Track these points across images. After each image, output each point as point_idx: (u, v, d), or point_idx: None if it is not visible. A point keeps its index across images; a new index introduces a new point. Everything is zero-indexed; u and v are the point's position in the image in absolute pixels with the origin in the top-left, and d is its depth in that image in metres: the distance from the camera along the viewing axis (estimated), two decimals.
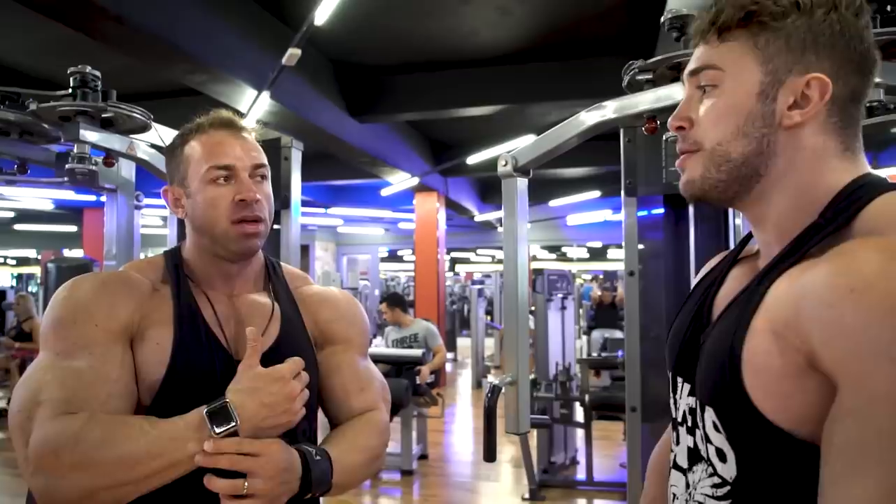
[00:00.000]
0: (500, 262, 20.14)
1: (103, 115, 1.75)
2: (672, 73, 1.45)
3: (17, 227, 13.74)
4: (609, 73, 2.73)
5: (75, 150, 1.81)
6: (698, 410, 0.71)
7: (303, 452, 0.93)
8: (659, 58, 1.43)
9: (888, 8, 1.24)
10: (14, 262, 20.74)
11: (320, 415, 1.13)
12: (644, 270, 1.94)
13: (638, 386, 1.86)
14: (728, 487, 0.66)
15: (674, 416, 0.80)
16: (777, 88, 0.67)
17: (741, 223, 1.75)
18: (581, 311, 9.17)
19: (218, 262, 1.05)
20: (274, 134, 2.10)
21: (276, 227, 1.26)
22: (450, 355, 9.68)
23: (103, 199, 2.19)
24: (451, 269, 21.31)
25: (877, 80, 1.21)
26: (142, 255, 2.33)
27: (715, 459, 0.68)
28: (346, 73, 5.39)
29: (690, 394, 0.74)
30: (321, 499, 1.07)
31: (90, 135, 1.72)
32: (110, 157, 1.89)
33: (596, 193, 9.48)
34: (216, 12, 3.79)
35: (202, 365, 0.97)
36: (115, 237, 2.14)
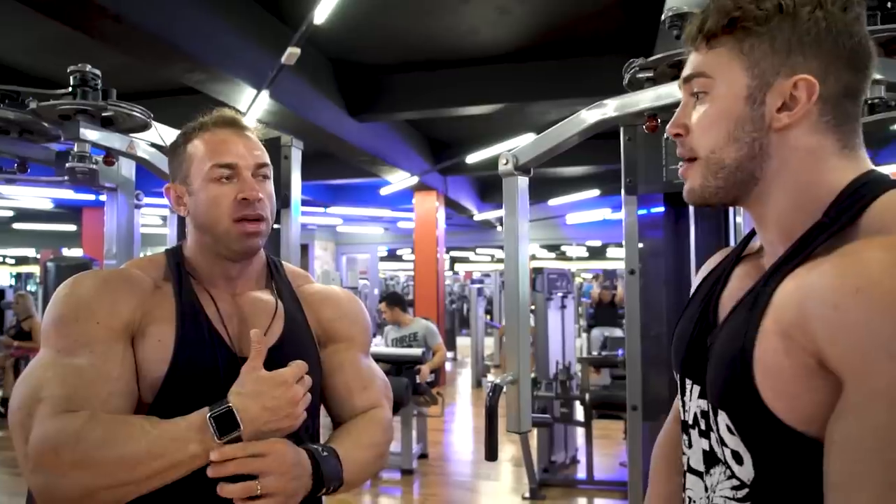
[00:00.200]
0: (499, 261, 20.14)
1: (103, 114, 1.75)
2: (673, 70, 1.44)
3: (16, 226, 13.73)
4: (608, 72, 2.74)
5: (75, 149, 1.81)
6: (711, 413, 0.71)
7: (309, 450, 0.93)
8: (659, 56, 1.43)
9: (888, 5, 1.24)
10: (13, 261, 20.72)
11: (322, 412, 1.13)
12: (644, 269, 1.94)
13: (639, 384, 1.86)
14: (747, 489, 0.66)
15: (683, 418, 0.79)
16: (765, 92, 0.67)
17: (742, 221, 1.75)
18: (580, 309, 9.17)
19: (219, 261, 1.05)
20: (274, 133, 2.09)
21: (276, 226, 1.27)
22: (449, 354, 9.68)
23: (103, 198, 2.19)
24: (451, 268, 21.31)
25: (877, 76, 1.21)
26: (142, 255, 2.33)
27: (732, 462, 0.68)
28: (346, 72, 5.39)
29: (701, 396, 0.74)
30: (323, 499, 1.07)
31: (90, 133, 1.72)
32: (110, 155, 1.89)
33: (595, 192, 9.48)
34: (215, 11, 3.78)
35: (204, 362, 0.97)
36: (116, 236, 2.14)
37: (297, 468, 0.88)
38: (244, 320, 1.04)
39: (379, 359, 1.12)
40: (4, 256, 20.34)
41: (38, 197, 9.23)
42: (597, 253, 20.10)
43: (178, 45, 3.48)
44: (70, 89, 1.71)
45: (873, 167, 0.68)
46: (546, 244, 17.61)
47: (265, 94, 4.03)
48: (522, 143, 1.76)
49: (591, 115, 1.58)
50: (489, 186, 11.45)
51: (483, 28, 4.61)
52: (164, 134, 1.92)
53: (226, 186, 1.00)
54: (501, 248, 1.83)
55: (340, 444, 1.00)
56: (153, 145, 1.96)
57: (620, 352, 4.51)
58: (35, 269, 17.38)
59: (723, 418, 0.68)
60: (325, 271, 9.76)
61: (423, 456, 5.03)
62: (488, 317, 11.05)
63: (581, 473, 4.55)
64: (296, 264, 1.79)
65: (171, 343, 0.95)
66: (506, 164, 1.74)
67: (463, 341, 11.51)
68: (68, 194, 8.22)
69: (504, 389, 1.73)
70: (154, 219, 8.25)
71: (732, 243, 1.78)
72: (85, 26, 3.20)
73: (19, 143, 1.92)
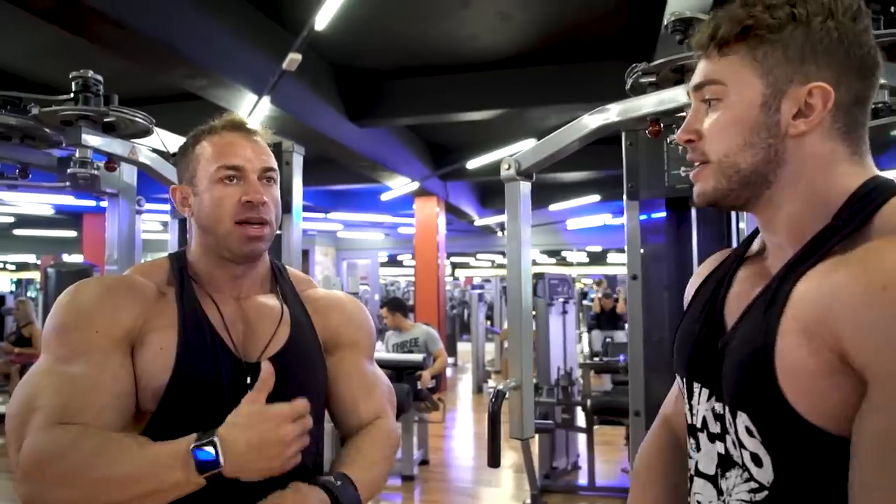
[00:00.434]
0: (500, 266, 20.14)
1: (105, 120, 1.75)
2: (675, 75, 1.44)
3: (17, 232, 13.73)
4: (609, 77, 2.74)
5: (77, 155, 1.81)
6: (728, 416, 0.71)
7: (326, 487, 0.93)
8: (662, 60, 1.43)
9: (892, 9, 1.24)
10: (14, 267, 20.71)
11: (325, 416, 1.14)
12: (646, 274, 1.93)
13: (641, 390, 1.86)
14: (766, 492, 0.66)
15: (690, 422, 0.79)
16: (779, 99, 0.68)
17: (745, 226, 1.75)
18: (581, 314, 9.16)
19: (223, 264, 1.04)
20: (276, 139, 2.09)
21: (277, 231, 1.27)
22: (450, 360, 9.67)
23: (104, 204, 2.19)
24: (452, 273, 21.30)
25: (881, 81, 1.21)
26: (143, 260, 2.33)
27: (750, 464, 0.68)
28: (346, 77, 5.40)
29: (712, 398, 0.74)
30: None
31: (92, 139, 1.72)
32: (112, 161, 1.89)
33: (595, 197, 9.49)
34: (215, 17, 3.79)
35: (207, 369, 0.97)
36: (117, 242, 2.14)
37: None
38: (249, 325, 1.03)
39: (380, 364, 1.12)
40: (5, 262, 20.34)
41: (39, 203, 9.24)
42: (597, 258, 20.09)
43: (179, 51, 3.49)
44: (72, 95, 1.71)
45: (878, 172, 0.70)
46: (547, 250, 17.61)
47: (266, 99, 4.04)
48: (523, 149, 1.76)
49: (593, 120, 1.58)
50: (490, 192, 11.46)
51: (484, 33, 4.62)
52: (166, 140, 1.93)
53: (230, 188, 1.00)
54: (502, 253, 1.83)
55: (352, 466, 1.00)
56: (155, 151, 1.96)
57: (622, 357, 4.50)
58: (36, 275, 17.38)
59: (742, 420, 0.68)
60: (326, 277, 9.76)
61: (423, 462, 5.01)
62: (489, 322, 11.04)
63: (583, 480, 4.53)
64: (297, 270, 1.79)
65: (172, 350, 0.95)
66: (508, 169, 1.73)
67: (464, 347, 11.49)
68: (69, 200, 8.22)
69: (507, 395, 1.73)
70: (155, 224, 8.25)
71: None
72: (86, 32, 3.20)
73: (21, 149, 1.92)
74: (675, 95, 1.40)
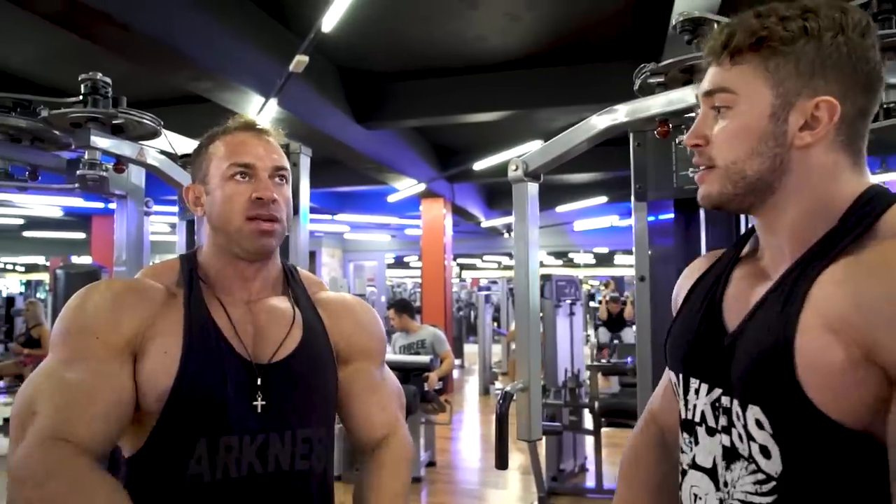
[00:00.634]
0: (506, 268, 20.11)
1: (114, 122, 1.76)
2: (684, 75, 1.44)
3: (27, 234, 13.82)
4: (616, 78, 2.73)
5: (86, 157, 1.82)
6: (736, 409, 0.72)
7: None
8: (671, 60, 1.42)
9: None
10: (23, 268, 20.85)
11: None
12: (654, 275, 1.92)
13: (649, 392, 1.82)
14: (773, 483, 0.68)
15: (684, 416, 0.81)
16: (788, 111, 0.70)
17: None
18: (588, 316, 9.14)
19: (234, 263, 1.04)
20: (283, 140, 2.10)
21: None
22: (457, 362, 9.65)
23: (112, 205, 2.20)
24: (458, 275, 21.29)
25: (892, 80, 1.20)
26: (151, 262, 2.34)
27: (758, 456, 0.69)
28: (353, 79, 5.41)
29: (713, 392, 0.76)
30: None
31: (101, 141, 1.73)
32: (120, 163, 1.90)
33: (602, 199, 9.47)
34: (222, 19, 3.80)
35: (212, 373, 0.96)
36: (125, 243, 2.14)
37: None
38: (259, 328, 1.03)
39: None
40: (15, 264, 20.48)
41: (48, 205, 9.30)
42: (604, 260, 20.03)
43: (185, 53, 3.50)
44: (81, 97, 1.72)
45: (873, 181, 0.73)
46: (554, 251, 17.57)
47: (273, 101, 4.05)
48: (530, 150, 1.75)
49: (601, 121, 1.58)
50: (496, 193, 11.45)
51: (491, 35, 4.62)
52: (174, 141, 1.93)
53: (242, 185, 1.01)
54: (509, 254, 1.83)
55: (379, 498, 1.04)
56: (163, 153, 1.97)
57: (630, 359, 4.49)
58: (45, 277, 17.49)
59: (753, 413, 0.69)
60: (333, 278, 9.77)
61: (430, 464, 5.01)
62: (496, 324, 11.02)
63: (590, 482, 4.51)
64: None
65: (177, 355, 0.95)
66: (516, 170, 1.73)
67: (470, 348, 11.48)
68: (78, 202, 8.27)
69: (514, 397, 1.72)
70: (163, 226, 8.29)
71: None
72: (93, 35, 3.22)
73: (31, 151, 1.93)
74: (683, 96, 1.39)
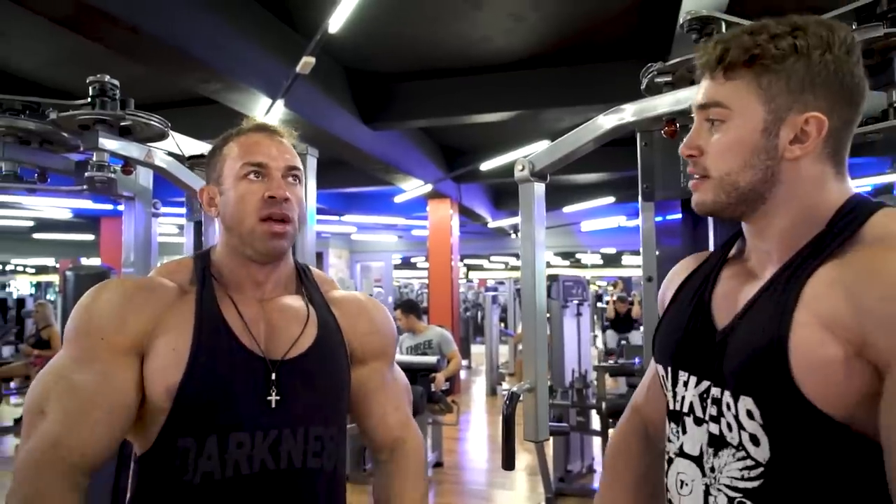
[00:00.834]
0: (513, 268, 20.08)
1: (122, 124, 1.77)
2: (691, 74, 1.43)
3: (36, 235, 13.92)
4: (622, 78, 2.72)
5: (94, 159, 1.83)
6: (727, 400, 0.76)
7: None
8: (678, 59, 1.41)
9: None
10: (33, 270, 21.00)
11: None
12: (662, 276, 1.91)
13: None
14: (761, 468, 0.73)
15: (672, 407, 0.86)
16: (779, 125, 0.75)
17: None
18: (595, 316, 9.11)
19: (247, 265, 1.05)
20: (300, 144, 2.11)
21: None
22: (464, 362, 9.65)
23: (121, 207, 2.21)
24: (465, 276, 21.28)
25: None
26: (159, 264, 2.35)
27: (748, 444, 0.74)
28: (359, 80, 5.42)
29: (702, 384, 0.81)
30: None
31: (109, 143, 1.74)
32: (128, 165, 1.91)
33: (610, 199, 9.44)
34: (229, 21, 3.82)
35: (221, 369, 0.97)
36: (133, 245, 2.15)
37: None
38: (273, 325, 1.04)
39: None
40: (25, 266, 20.63)
41: (58, 207, 9.37)
42: (612, 260, 19.97)
43: (194, 56, 3.52)
44: (89, 100, 1.73)
45: (854, 188, 0.79)
46: (560, 252, 17.54)
47: (280, 102, 4.06)
48: (536, 150, 1.75)
49: (608, 121, 1.57)
50: (503, 194, 11.44)
51: (496, 35, 4.61)
52: (182, 143, 1.94)
53: (254, 184, 1.02)
54: (516, 255, 1.82)
55: None
56: (170, 154, 1.98)
57: (637, 360, 4.47)
58: (54, 278, 17.62)
59: (744, 403, 0.74)
60: (341, 279, 9.79)
61: (437, 465, 5.01)
62: (503, 324, 11.01)
63: (597, 483, 4.49)
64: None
65: (186, 351, 0.96)
66: (522, 170, 1.73)
67: (477, 349, 11.47)
68: (87, 204, 8.33)
69: (521, 398, 1.72)
70: (171, 228, 8.33)
71: None
72: (102, 38, 3.24)
73: (40, 154, 1.94)
74: (691, 95, 1.38)
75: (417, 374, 4.53)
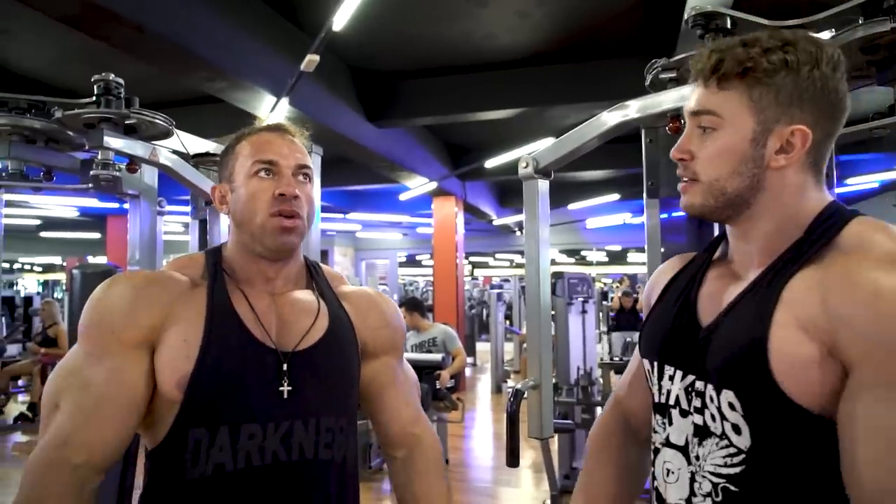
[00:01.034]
0: (518, 266, 20.05)
1: (126, 122, 1.78)
2: None
3: (43, 234, 13.99)
4: (628, 74, 2.71)
5: (99, 157, 1.84)
6: (710, 393, 0.81)
7: None
8: (683, 55, 1.41)
9: None
10: (40, 268, 21.12)
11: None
12: None
13: None
14: (743, 455, 0.78)
15: (657, 400, 0.91)
16: (767, 136, 0.79)
17: None
18: (601, 314, 9.09)
19: (257, 261, 1.06)
20: (307, 141, 2.11)
21: None
22: (469, 360, 9.64)
23: (126, 205, 2.22)
24: (470, 273, 21.28)
25: None
26: (164, 261, 2.35)
27: (730, 433, 0.79)
28: (364, 78, 5.42)
29: (687, 378, 0.85)
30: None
31: (114, 141, 1.75)
32: (133, 163, 1.91)
33: (615, 196, 9.41)
34: (234, 20, 3.82)
35: (232, 360, 0.98)
36: (139, 243, 2.16)
37: None
38: (283, 318, 1.05)
39: None
40: (32, 264, 20.74)
41: (64, 205, 9.41)
42: (617, 258, 19.93)
43: (199, 54, 3.52)
44: (94, 98, 1.73)
45: (831, 197, 0.84)
46: (566, 249, 17.52)
47: (285, 101, 4.07)
48: (542, 147, 1.74)
49: (612, 117, 1.57)
50: (508, 191, 11.43)
51: (501, 32, 4.60)
52: (186, 141, 1.95)
53: (265, 181, 1.03)
54: (521, 252, 1.82)
55: None
56: (175, 152, 1.98)
57: None
58: (61, 277, 17.71)
59: (726, 396, 0.79)
60: (346, 276, 9.79)
61: None
62: (508, 322, 11.00)
63: None
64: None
65: (197, 342, 0.96)
66: (526, 167, 1.72)
67: (482, 347, 11.47)
68: (93, 203, 8.36)
69: (525, 395, 1.72)
70: (176, 226, 8.35)
71: None
72: (107, 36, 3.24)
73: (45, 152, 1.95)
74: None
75: (422, 372, 4.54)
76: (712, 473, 0.81)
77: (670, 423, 0.88)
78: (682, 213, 1.99)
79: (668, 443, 0.88)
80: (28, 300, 9.09)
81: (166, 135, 1.89)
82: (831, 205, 0.81)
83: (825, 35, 1.34)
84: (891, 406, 0.67)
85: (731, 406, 0.78)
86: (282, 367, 0.99)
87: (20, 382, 7.68)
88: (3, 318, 8.22)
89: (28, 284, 19.64)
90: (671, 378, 0.88)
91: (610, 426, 1.09)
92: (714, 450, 0.81)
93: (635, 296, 8.70)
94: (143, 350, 0.97)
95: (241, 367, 0.98)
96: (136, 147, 1.82)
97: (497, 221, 11.78)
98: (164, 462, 0.97)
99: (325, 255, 13.27)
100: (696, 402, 0.83)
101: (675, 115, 1.45)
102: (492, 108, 5.47)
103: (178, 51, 3.41)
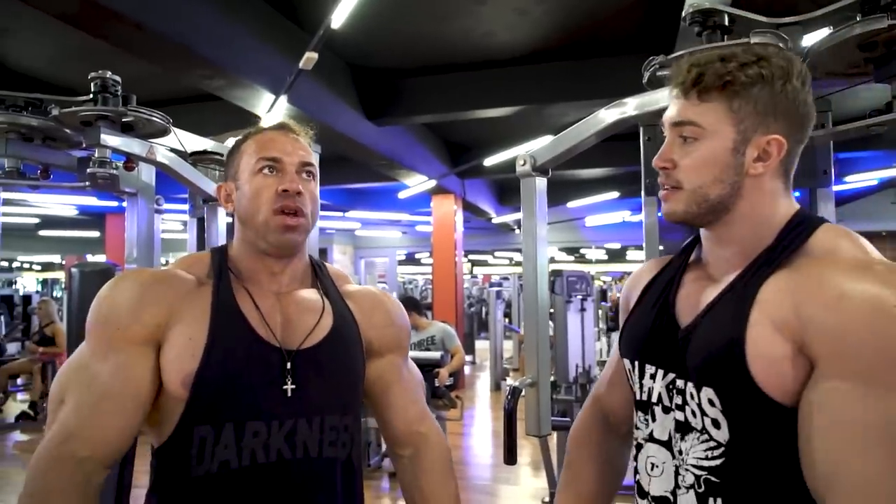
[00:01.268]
0: (517, 264, 20.06)
1: (123, 120, 1.77)
2: None
3: (42, 233, 13.98)
4: (627, 72, 2.70)
5: (96, 155, 1.83)
6: (690, 390, 0.86)
7: None
8: (681, 53, 1.40)
9: None
10: (39, 267, 21.10)
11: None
12: None
13: None
14: (723, 448, 0.82)
15: (639, 398, 0.95)
16: (746, 145, 0.84)
17: None
18: (600, 312, 9.10)
19: (262, 258, 1.07)
20: (311, 140, 2.10)
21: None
22: (468, 358, 9.65)
23: (124, 204, 2.22)
24: (470, 271, 21.27)
25: None
26: (162, 260, 2.35)
27: (710, 428, 0.84)
28: (363, 76, 5.41)
29: (668, 376, 0.89)
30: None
31: (111, 139, 1.74)
32: (131, 161, 1.91)
33: (614, 194, 9.41)
34: (233, 18, 3.82)
35: (237, 357, 0.98)
36: (136, 241, 2.16)
37: None
38: (288, 316, 1.05)
39: None
40: (31, 263, 20.73)
41: (63, 204, 9.40)
42: (616, 255, 19.94)
43: (198, 52, 3.51)
44: (91, 96, 1.73)
45: (797, 203, 0.89)
46: (565, 247, 17.52)
47: (283, 98, 4.06)
48: (541, 145, 1.74)
49: (609, 115, 1.56)
50: (507, 189, 11.42)
51: (500, 30, 4.60)
52: (184, 139, 1.94)
53: (269, 178, 1.04)
54: (520, 250, 1.82)
55: None
56: (172, 150, 1.98)
57: None
58: (60, 275, 17.70)
59: (706, 393, 0.83)
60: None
61: None
62: (507, 320, 11.00)
63: None
64: None
65: (202, 340, 0.97)
66: (523, 164, 1.72)
67: (482, 345, 11.47)
68: (92, 201, 8.35)
69: (523, 392, 1.72)
70: (175, 224, 8.34)
71: None
72: (106, 35, 3.24)
73: (42, 150, 1.95)
74: None
75: (421, 370, 4.53)
76: (694, 466, 0.85)
77: (653, 420, 0.92)
78: None
79: (651, 438, 0.92)
80: (27, 299, 9.08)
81: (164, 132, 1.89)
82: (799, 212, 0.87)
83: (823, 32, 1.34)
84: (846, 398, 0.72)
85: (711, 402, 0.83)
86: (286, 366, 1.00)
87: (19, 381, 7.67)
88: (2, 317, 8.23)
89: (27, 283, 19.62)
90: (652, 377, 0.92)
91: (589, 423, 1.14)
92: (695, 444, 0.85)
93: None
94: (149, 347, 0.98)
95: (245, 365, 0.98)
96: (133, 145, 1.82)
97: (496, 219, 11.78)
98: (170, 459, 0.98)
99: (324, 253, 13.27)
100: (678, 399, 0.88)
101: None
102: (491, 106, 5.47)
103: (177, 49, 3.41)
